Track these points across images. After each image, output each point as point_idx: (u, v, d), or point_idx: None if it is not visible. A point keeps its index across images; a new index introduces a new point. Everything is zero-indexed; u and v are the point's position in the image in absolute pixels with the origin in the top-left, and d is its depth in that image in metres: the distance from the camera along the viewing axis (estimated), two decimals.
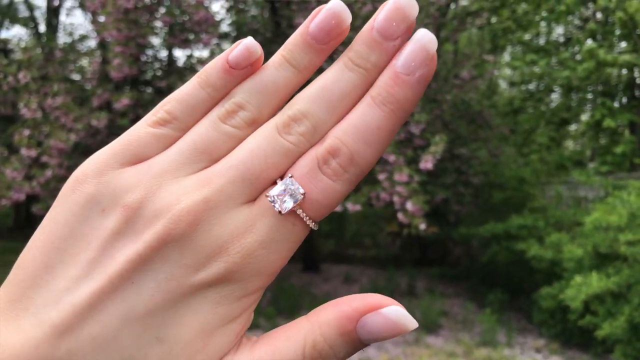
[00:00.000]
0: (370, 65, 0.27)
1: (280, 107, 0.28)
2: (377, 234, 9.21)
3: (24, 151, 4.49)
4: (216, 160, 0.27)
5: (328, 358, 0.26)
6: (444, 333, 4.81)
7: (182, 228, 0.25)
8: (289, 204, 0.26)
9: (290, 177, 0.26)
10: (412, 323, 0.26)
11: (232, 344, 0.26)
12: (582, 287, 3.98)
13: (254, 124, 0.28)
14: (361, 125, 0.26)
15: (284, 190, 0.26)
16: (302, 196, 0.26)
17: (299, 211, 0.26)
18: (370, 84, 0.27)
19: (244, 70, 0.28)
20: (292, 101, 0.28)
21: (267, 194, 0.26)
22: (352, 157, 0.26)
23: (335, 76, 0.27)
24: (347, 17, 0.28)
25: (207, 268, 0.25)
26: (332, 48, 0.28)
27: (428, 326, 4.85)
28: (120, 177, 0.27)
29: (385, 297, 0.26)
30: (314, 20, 0.28)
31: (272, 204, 0.26)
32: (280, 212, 0.26)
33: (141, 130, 0.28)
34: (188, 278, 0.25)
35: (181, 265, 0.25)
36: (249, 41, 0.28)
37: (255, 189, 0.27)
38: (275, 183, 0.27)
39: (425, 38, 0.27)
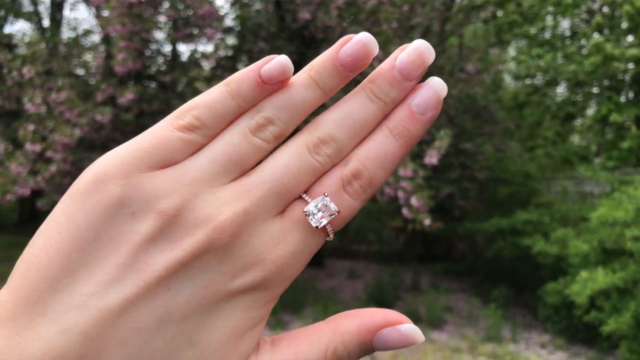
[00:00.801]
0: (389, 100, 0.30)
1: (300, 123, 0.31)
2: (381, 229, 9.20)
3: (28, 146, 4.50)
4: (245, 171, 0.29)
5: None
6: (448, 328, 4.81)
7: (225, 238, 0.26)
8: (324, 220, 0.28)
9: (326, 195, 0.29)
10: (421, 337, 0.29)
11: (256, 345, 0.28)
12: (588, 283, 3.97)
13: (280, 138, 0.30)
14: (380, 153, 0.30)
15: (317, 206, 0.28)
16: (337, 213, 0.29)
17: (328, 226, 0.29)
18: (385, 115, 0.31)
19: (274, 86, 0.30)
20: (319, 122, 0.30)
21: (305, 210, 0.28)
22: (371, 180, 0.30)
23: (359, 106, 0.30)
24: (375, 49, 0.30)
25: (244, 276, 0.27)
26: (354, 75, 0.31)
27: (433, 322, 4.84)
28: (151, 182, 0.27)
29: (401, 315, 0.29)
30: (345, 49, 0.30)
31: (309, 218, 0.28)
32: (317, 227, 0.28)
33: (169, 133, 0.28)
34: (225, 285, 0.26)
35: (220, 273, 0.26)
36: (284, 59, 0.30)
37: (286, 202, 0.29)
38: (300, 197, 0.29)
39: (437, 85, 0.31)
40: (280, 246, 0.28)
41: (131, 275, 0.25)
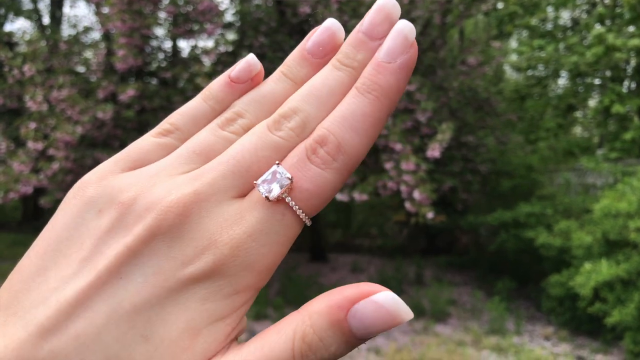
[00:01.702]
0: (357, 63, 0.29)
1: None
2: (384, 223, 9.21)
3: (30, 144, 4.50)
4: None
5: (318, 351, 0.24)
6: (452, 322, 4.81)
7: (170, 219, 0.25)
8: (276, 189, 0.26)
9: (278, 164, 0.27)
10: (407, 312, 0.24)
11: (220, 346, 0.25)
12: (592, 275, 3.96)
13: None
14: (347, 114, 0.27)
15: (271, 176, 0.26)
16: (288, 181, 0.26)
17: (288, 199, 0.26)
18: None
19: (244, 84, 0.30)
20: (284, 102, 0.29)
21: (255, 182, 0.26)
22: (339, 145, 0.27)
23: (324, 75, 0.29)
24: (341, 33, 0.30)
25: (195, 262, 0.25)
26: (325, 63, 0.30)
27: (437, 315, 4.85)
28: (119, 180, 0.27)
29: (380, 286, 0.25)
30: (312, 38, 0.30)
31: (259, 191, 0.26)
32: (267, 198, 0.26)
33: (146, 140, 0.30)
34: (176, 272, 0.25)
35: (169, 258, 0.25)
36: (250, 57, 0.31)
37: (245, 182, 0.27)
38: None
39: (403, 26, 0.28)
40: (236, 227, 0.25)
41: (88, 266, 0.24)
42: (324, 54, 0.30)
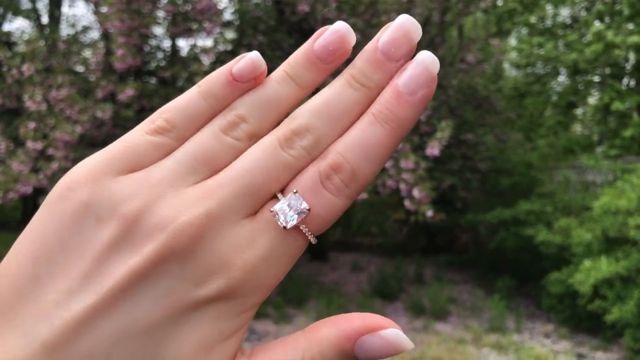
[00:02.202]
0: (373, 84, 0.28)
1: (280, 121, 0.29)
2: (384, 222, 9.21)
3: (29, 144, 4.50)
4: (216, 171, 0.27)
5: None
6: (452, 320, 4.81)
7: (184, 242, 0.24)
8: (293, 220, 0.26)
9: (295, 192, 0.26)
10: (409, 344, 0.26)
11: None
12: (592, 272, 3.96)
13: (255, 137, 0.28)
14: (363, 142, 0.27)
15: (289, 205, 0.26)
16: (307, 212, 0.26)
17: (302, 226, 0.26)
18: (371, 102, 0.28)
19: (247, 84, 0.29)
20: (293, 114, 0.28)
21: (272, 209, 0.26)
22: (353, 173, 0.27)
23: (339, 92, 0.28)
24: (352, 38, 0.29)
25: (208, 284, 0.25)
26: (334, 67, 0.29)
27: (437, 313, 4.85)
28: (117, 186, 0.26)
29: (384, 318, 0.27)
30: (319, 40, 0.29)
31: (276, 218, 0.26)
32: (285, 227, 0.26)
33: (139, 137, 0.27)
34: (188, 294, 0.24)
35: (182, 281, 0.24)
36: (255, 55, 0.29)
37: (256, 202, 0.26)
38: (275, 197, 0.27)
39: (427, 59, 0.27)
40: (249, 251, 0.25)
41: (93, 283, 0.23)
42: (333, 60, 0.29)
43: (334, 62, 0.29)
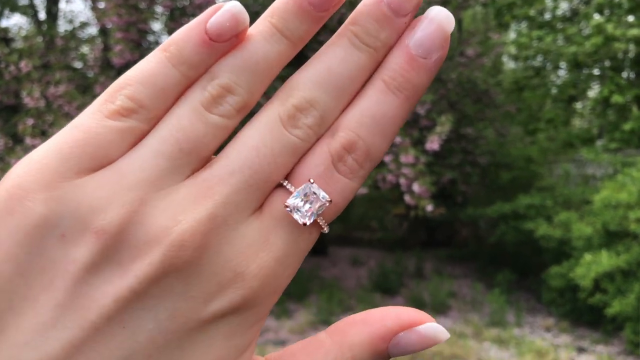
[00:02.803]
0: (380, 43, 0.23)
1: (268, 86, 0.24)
2: (384, 216, 9.21)
3: (28, 140, 4.49)
4: (203, 159, 0.22)
5: None
6: (453, 314, 4.82)
7: (187, 255, 0.20)
8: (313, 214, 0.23)
9: (312, 182, 0.23)
10: (445, 335, 0.24)
11: None
12: (592, 266, 3.97)
13: (244, 110, 0.23)
14: (378, 115, 0.23)
15: (304, 197, 0.22)
16: (328, 204, 0.23)
17: (319, 219, 0.23)
18: (377, 64, 0.24)
19: (226, 43, 0.22)
20: (292, 85, 0.23)
21: (286, 204, 0.22)
22: (368, 151, 0.23)
23: (342, 57, 0.23)
24: None
25: (219, 298, 0.21)
26: (328, 16, 0.24)
27: (437, 307, 4.86)
28: (82, 191, 0.20)
29: (417, 312, 0.24)
30: None
31: (293, 214, 0.22)
32: (305, 224, 0.22)
33: (97, 123, 0.21)
34: (197, 312, 0.21)
35: (188, 299, 0.21)
36: (235, 7, 0.22)
37: (262, 194, 0.22)
38: (280, 185, 0.23)
39: (441, 15, 0.23)
40: (262, 254, 0.22)
41: (72, 315, 0.19)
42: (329, 7, 0.23)
43: (331, 9, 0.23)
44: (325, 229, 0.24)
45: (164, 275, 0.20)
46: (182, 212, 0.21)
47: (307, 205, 0.22)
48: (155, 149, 0.21)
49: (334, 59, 0.23)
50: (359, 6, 0.24)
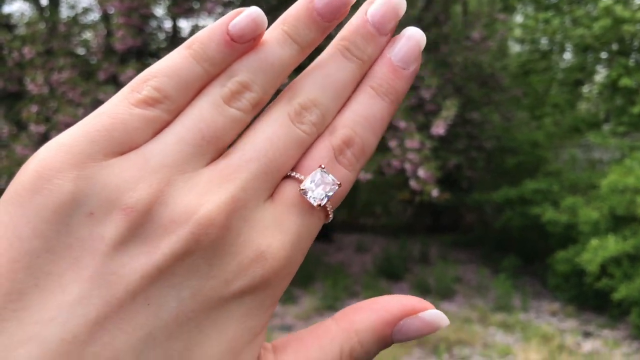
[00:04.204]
0: (366, 57, 0.27)
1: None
2: (389, 202, 9.19)
3: (32, 127, 4.49)
4: (221, 149, 0.25)
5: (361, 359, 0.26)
6: (458, 299, 4.82)
7: (213, 234, 0.22)
8: (325, 197, 0.25)
9: (322, 167, 0.25)
10: (445, 321, 0.26)
11: (256, 359, 0.24)
12: (599, 250, 3.95)
13: (259, 106, 0.26)
14: (370, 116, 0.27)
15: (315, 182, 0.25)
16: (337, 187, 0.25)
17: (328, 203, 0.26)
18: (363, 74, 0.28)
19: (246, 44, 0.25)
20: (297, 86, 0.27)
21: (302, 187, 0.25)
22: (363, 146, 0.27)
23: (338, 66, 0.27)
24: None
25: (240, 277, 0.22)
26: (333, 27, 0.27)
27: (442, 293, 4.86)
28: (110, 172, 0.22)
29: (418, 299, 0.27)
30: None
31: (307, 196, 0.25)
32: (319, 205, 0.25)
33: (124, 111, 0.23)
34: (218, 291, 0.22)
35: (211, 278, 0.22)
36: (255, 12, 0.25)
37: (274, 183, 0.25)
38: (288, 177, 0.25)
39: (417, 34, 0.28)
40: (280, 236, 0.24)
41: (98, 291, 0.20)
42: (334, 18, 0.27)
43: (335, 21, 0.27)
44: (330, 214, 0.26)
45: (190, 253, 0.21)
46: (206, 193, 0.23)
47: (319, 189, 0.25)
48: (180, 136, 0.23)
49: (332, 67, 0.27)
50: (348, 24, 0.28)
